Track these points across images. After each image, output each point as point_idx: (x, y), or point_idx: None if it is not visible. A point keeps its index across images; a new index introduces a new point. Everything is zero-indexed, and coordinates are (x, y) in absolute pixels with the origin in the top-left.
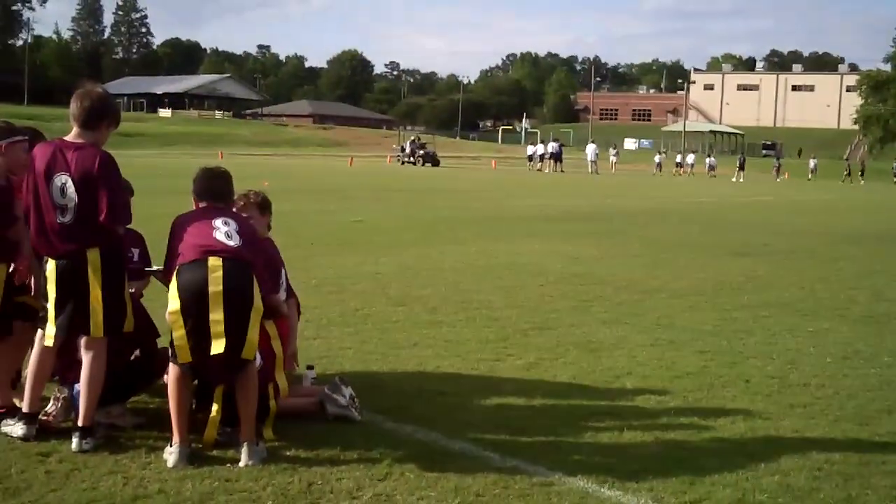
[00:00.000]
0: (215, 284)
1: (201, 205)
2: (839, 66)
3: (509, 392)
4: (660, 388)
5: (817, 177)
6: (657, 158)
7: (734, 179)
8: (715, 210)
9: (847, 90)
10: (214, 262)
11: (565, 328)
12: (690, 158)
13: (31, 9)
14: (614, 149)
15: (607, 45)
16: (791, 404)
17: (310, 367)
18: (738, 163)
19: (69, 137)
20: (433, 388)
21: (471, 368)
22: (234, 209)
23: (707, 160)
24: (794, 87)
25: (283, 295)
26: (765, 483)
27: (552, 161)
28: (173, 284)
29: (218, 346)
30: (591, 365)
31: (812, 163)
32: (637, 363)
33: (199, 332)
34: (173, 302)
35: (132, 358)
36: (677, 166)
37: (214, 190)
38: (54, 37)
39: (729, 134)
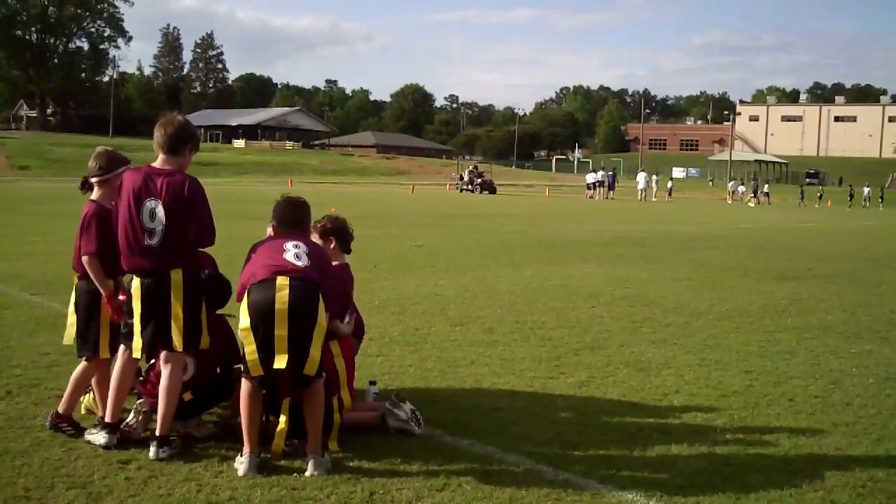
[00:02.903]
0: (281, 302)
1: (279, 231)
2: (881, 97)
3: (562, 408)
4: (706, 406)
5: (867, 205)
6: (650, 182)
7: (751, 205)
8: (759, 235)
9: (889, 120)
10: (282, 280)
11: (615, 348)
12: (742, 187)
13: (118, 47)
14: (656, 177)
15: (657, 79)
16: (834, 423)
17: (372, 383)
18: (751, 189)
19: (156, 164)
20: (489, 403)
21: (525, 386)
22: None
23: (730, 186)
24: (837, 118)
25: (346, 319)
26: (808, 499)
27: (605, 188)
28: (244, 303)
29: (280, 362)
30: (641, 383)
31: (866, 190)
32: (685, 382)
33: (266, 347)
34: (244, 319)
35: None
36: (753, 194)
37: (287, 218)
38: (137, 73)
39: (773, 163)
